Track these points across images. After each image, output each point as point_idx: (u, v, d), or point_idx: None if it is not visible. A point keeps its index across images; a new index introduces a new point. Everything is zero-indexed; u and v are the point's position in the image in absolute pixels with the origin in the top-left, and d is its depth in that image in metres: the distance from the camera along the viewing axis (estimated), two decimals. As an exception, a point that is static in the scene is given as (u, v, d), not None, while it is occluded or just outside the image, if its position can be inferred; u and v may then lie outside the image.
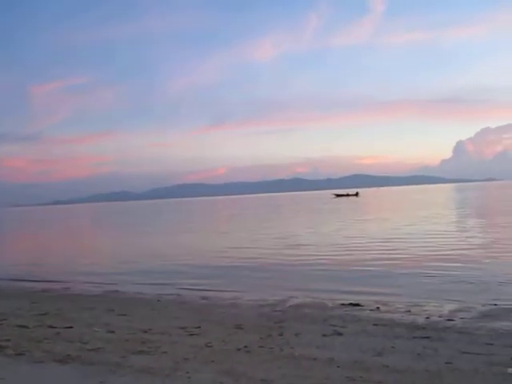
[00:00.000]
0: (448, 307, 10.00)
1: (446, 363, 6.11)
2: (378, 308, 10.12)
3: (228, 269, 17.02)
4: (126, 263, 19.95)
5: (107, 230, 50.54)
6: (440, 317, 9.16)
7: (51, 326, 8.81)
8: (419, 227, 29.17)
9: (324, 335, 7.80)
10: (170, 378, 5.77)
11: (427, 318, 9.12)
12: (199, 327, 8.57)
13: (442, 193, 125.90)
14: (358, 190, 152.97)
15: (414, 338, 7.59)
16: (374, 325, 8.56)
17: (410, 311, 9.75)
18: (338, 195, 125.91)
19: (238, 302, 11.59)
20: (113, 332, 8.34)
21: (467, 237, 23.32)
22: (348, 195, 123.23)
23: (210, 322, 9.09)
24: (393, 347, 6.95)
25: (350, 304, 10.51)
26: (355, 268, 15.68)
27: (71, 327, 8.74)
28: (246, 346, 7.10)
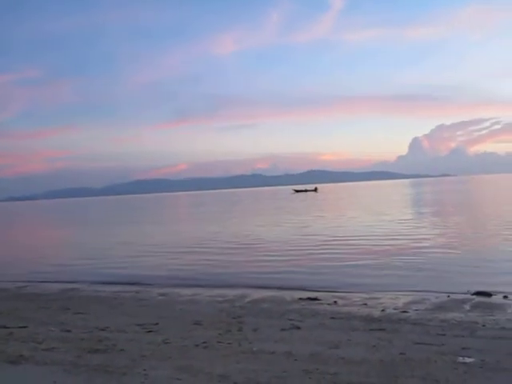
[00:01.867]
0: (403, 299, 10.26)
1: (400, 354, 6.26)
2: (335, 302, 10.28)
3: (188, 265, 16.94)
4: (82, 261, 19.58)
5: (63, 227, 49.44)
6: (395, 309, 9.39)
7: (4, 326, 8.57)
8: (374, 221, 29.70)
9: (282, 329, 7.87)
10: (126, 376, 5.70)
11: (383, 310, 9.33)
12: (157, 324, 8.51)
13: (398, 188, 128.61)
14: (317, 185, 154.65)
15: (370, 330, 7.75)
16: (331, 318, 8.69)
17: (366, 304, 9.95)
18: (297, 191, 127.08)
19: (196, 298, 11.56)
20: (68, 331, 8.19)
21: (422, 230, 23.94)
22: (307, 191, 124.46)
23: (168, 319, 9.03)
24: (349, 339, 7.07)
25: (308, 298, 10.65)
26: (313, 263, 15.86)
27: (25, 327, 8.54)
28: (204, 342, 7.09)
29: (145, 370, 5.88)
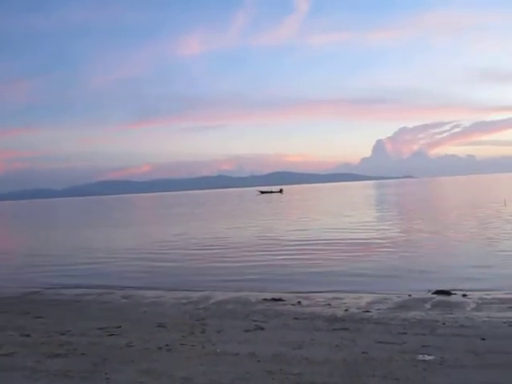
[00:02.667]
0: (366, 299, 10.39)
1: (363, 353, 6.34)
2: (299, 302, 10.33)
3: (149, 268, 16.78)
4: (43, 264, 19.14)
5: (25, 229, 48.27)
6: (358, 309, 9.50)
7: (-40, 332, 8.31)
8: (337, 223, 30.04)
9: (246, 330, 7.86)
10: (87, 380, 5.61)
11: (346, 310, 9.43)
12: (120, 327, 8.38)
13: (362, 190, 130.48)
14: (283, 186, 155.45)
15: (333, 330, 7.82)
16: (295, 318, 8.74)
17: (329, 304, 10.03)
18: (262, 192, 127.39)
19: (160, 300, 11.44)
20: (28, 335, 8.00)
21: (384, 231, 24.32)
22: (272, 192, 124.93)
23: (131, 322, 8.92)
24: (312, 339, 7.12)
25: (273, 299, 10.67)
26: (277, 265, 15.91)
27: (-18, 332, 8.30)
28: (167, 345, 7.03)
29: (106, 373, 5.80)
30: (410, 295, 10.57)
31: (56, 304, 11.39)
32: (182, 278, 14.48)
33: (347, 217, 34.79)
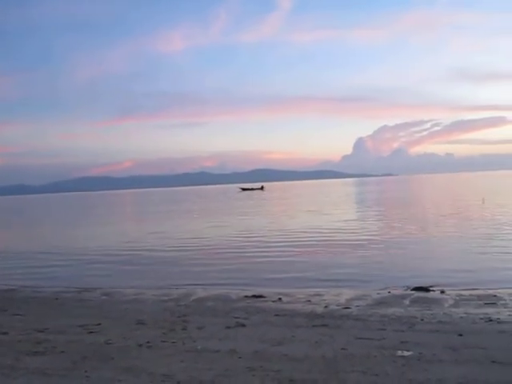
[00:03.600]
0: (345, 296, 10.47)
1: (342, 349, 6.39)
2: (280, 299, 10.37)
3: (129, 264, 16.69)
4: (22, 260, 18.94)
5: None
6: (338, 305, 9.57)
7: None
8: (318, 220, 30.20)
9: (227, 327, 7.87)
10: (66, 378, 5.58)
11: (326, 306, 9.50)
12: (99, 324, 8.33)
13: (343, 187, 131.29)
14: (264, 183, 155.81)
15: (313, 326, 7.87)
16: (276, 315, 8.77)
17: (310, 301, 10.09)
18: (244, 189, 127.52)
19: (140, 297, 11.39)
20: (5, 333, 7.90)
21: (364, 228, 24.53)
22: (253, 189, 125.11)
23: (111, 319, 8.87)
24: (293, 336, 7.16)
25: (254, 296, 10.70)
26: (258, 261, 15.96)
27: (-41, 330, 8.18)
28: (147, 342, 7.01)
29: (86, 371, 5.76)
30: (389, 292, 10.69)
31: (34, 301, 11.26)
32: (162, 275, 14.42)
33: (328, 214, 34.99)
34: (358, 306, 9.49)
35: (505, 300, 9.49)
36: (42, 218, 56.65)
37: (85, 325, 8.30)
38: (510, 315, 8.31)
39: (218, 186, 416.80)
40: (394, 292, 10.66)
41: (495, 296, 9.85)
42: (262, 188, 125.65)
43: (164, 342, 7.03)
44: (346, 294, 10.72)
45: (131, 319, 8.77)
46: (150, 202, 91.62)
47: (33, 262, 18.24)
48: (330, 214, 35.38)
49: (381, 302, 9.71)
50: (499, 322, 7.88)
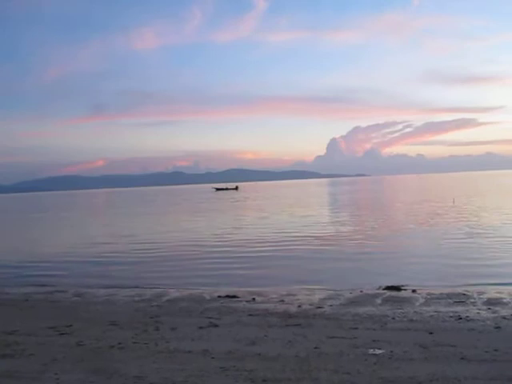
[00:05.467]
0: (319, 295, 10.54)
1: (315, 348, 6.44)
2: (253, 299, 10.38)
3: (101, 265, 16.49)
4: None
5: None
6: (311, 305, 9.62)
7: None
8: (292, 219, 30.33)
9: (200, 328, 7.85)
10: (36, 381, 5.48)
11: (299, 306, 9.54)
12: (71, 326, 8.21)
13: (317, 187, 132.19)
14: (238, 183, 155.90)
15: (286, 325, 7.90)
16: (249, 315, 8.78)
17: (283, 301, 10.12)
18: (218, 189, 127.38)
19: (113, 298, 11.27)
20: (-27, 336, 7.73)
21: (337, 227, 24.73)
22: (227, 189, 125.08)
23: (82, 320, 8.74)
24: (266, 336, 7.18)
25: (227, 296, 10.68)
26: (230, 261, 15.94)
27: None
28: (119, 343, 6.94)
29: (56, 374, 5.68)
30: (361, 291, 10.79)
31: (2, 303, 11.01)
32: (134, 276, 14.27)
33: (303, 213, 35.15)
34: (330, 305, 9.56)
35: (474, 298, 9.68)
36: (12, 219, 55.56)
37: (55, 326, 8.17)
38: (478, 313, 8.48)
39: (191, 185, 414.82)
40: (366, 291, 10.76)
41: (464, 294, 10.03)
42: (236, 188, 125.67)
43: (136, 343, 6.97)
44: (319, 293, 10.79)
45: (103, 320, 8.67)
46: (120, 202, 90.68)
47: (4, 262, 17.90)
48: (304, 212, 35.56)
49: (353, 302, 9.80)
50: (468, 319, 8.03)
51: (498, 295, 9.93)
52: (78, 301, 11.14)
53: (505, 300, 9.47)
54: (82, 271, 15.47)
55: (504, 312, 8.50)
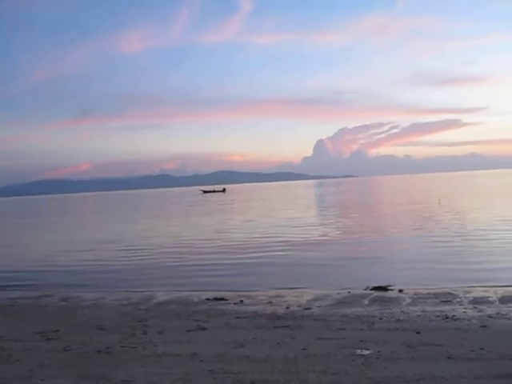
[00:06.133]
0: (306, 297, 10.56)
1: (303, 349, 6.45)
2: (241, 301, 10.38)
3: (88, 269, 16.38)
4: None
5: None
6: (299, 306, 9.65)
7: None
8: (279, 221, 30.38)
9: (188, 331, 7.83)
10: (23, 387, 5.43)
11: (287, 308, 9.56)
12: (57, 331, 8.14)
13: (304, 188, 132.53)
14: (226, 185, 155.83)
15: (275, 327, 7.91)
16: (237, 317, 8.78)
17: (271, 302, 10.14)
18: (205, 191, 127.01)
19: (100, 302, 11.20)
20: (-42, 342, 7.63)
21: (324, 229, 24.81)
22: (215, 191, 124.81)
23: (69, 325, 8.68)
24: (254, 338, 7.18)
25: (215, 299, 10.67)
26: (219, 264, 15.93)
27: None
28: (107, 348, 6.89)
29: (43, 379, 5.63)
30: (349, 292, 10.83)
31: (-12, 309, 10.91)
32: (122, 280, 14.20)
33: (290, 215, 35.20)
34: (318, 306, 9.59)
35: (460, 297, 9.77)
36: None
37: (42, 331, 8.10)
38: (464, 312, 8.56)
39: (178, 188, 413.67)
40: (353, 292, 10.80)
41: (451, 294, 10.12)
42: (223, 190, 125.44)
43: (124, 347, 6.93)
44: (307, 294, 10.81)
45: (90, 325, 8.61)
46: (108, 205, 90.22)
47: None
48: (290, 214, 35.62)
49: (341, 302, 9.84)
50: (455, 319, 8.10)
51: (484, 294, 10.03)
52: (64, 305, 11.06)
53: (491, 299, 9.58)
54: (69, 276, 15.33)
55: (490, 311, 8.59)
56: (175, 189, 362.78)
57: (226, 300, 10.53)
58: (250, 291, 11.48)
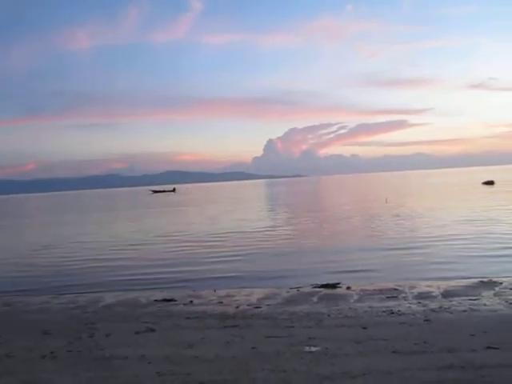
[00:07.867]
0: (256, 295, 10.60)
1: (252, 348, 6.48)
2: (191, 302, 10.31)
3: (32, 273, 15.89)
4: None
5: None
6: (249, 305, 9.68)
7: None
8: (229, 220, 30.38)
9: (136, 333, 7.72)
10: (-39, 397, 5.22)
11: (237, 307, 9.57)
12: (-1, 337, 7.86)
13: (254, 188, 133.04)
14: (176, 185, 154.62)
15: (224, 327, 7.91)
16: (187, 318, 8.72)
17: (221, 302, 10.12)
18: (155, 191, 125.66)
19: (45, 306, 10.87)
20: None
21: (273, 228, 24.96)
22: (165, 191, 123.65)
23: (13, 331, 8.41)
24: (203, 338, 7.16)
25: (164, 300, 10.56)
26: (169, 264, 15.77)
27: None
28: (52, 352, 6.71)
29: (-17, 388, 5.42)
30: (298, 290, 10.95)
31: None
32: (69, 283, 13.84)
33: (239, 214, 35.25)
34: (268, 304, 9.65)
35: (405, 293, 10.04)
36: None
37: (-18, 338, 7.79)
38: (409, 307, 8.82)
39: (127, 188, 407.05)
40: (303, 290, 10.93)
41: (396, 289, 10.39)
42: (173, 190, 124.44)
43: (69, 351, 6.77)
44: (257, 293, 10.86)
45: (35, 330, 8.35)
46: (51, 208, 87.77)
47: None
48: (241, 214, 35.66)
49: (290, 300, 9.93)
50: (400, 314, 8.33)
51: (428, 289, 10.36)
52: (8, 310, 10.67)
53: (434, 293, 9.90)
54: (12, 280, 14.82)
55: (433, 305, 8.88)
56: (124, 189, 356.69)
57: (175, 301, 10.43)
58: (200, 291, 11.42)
